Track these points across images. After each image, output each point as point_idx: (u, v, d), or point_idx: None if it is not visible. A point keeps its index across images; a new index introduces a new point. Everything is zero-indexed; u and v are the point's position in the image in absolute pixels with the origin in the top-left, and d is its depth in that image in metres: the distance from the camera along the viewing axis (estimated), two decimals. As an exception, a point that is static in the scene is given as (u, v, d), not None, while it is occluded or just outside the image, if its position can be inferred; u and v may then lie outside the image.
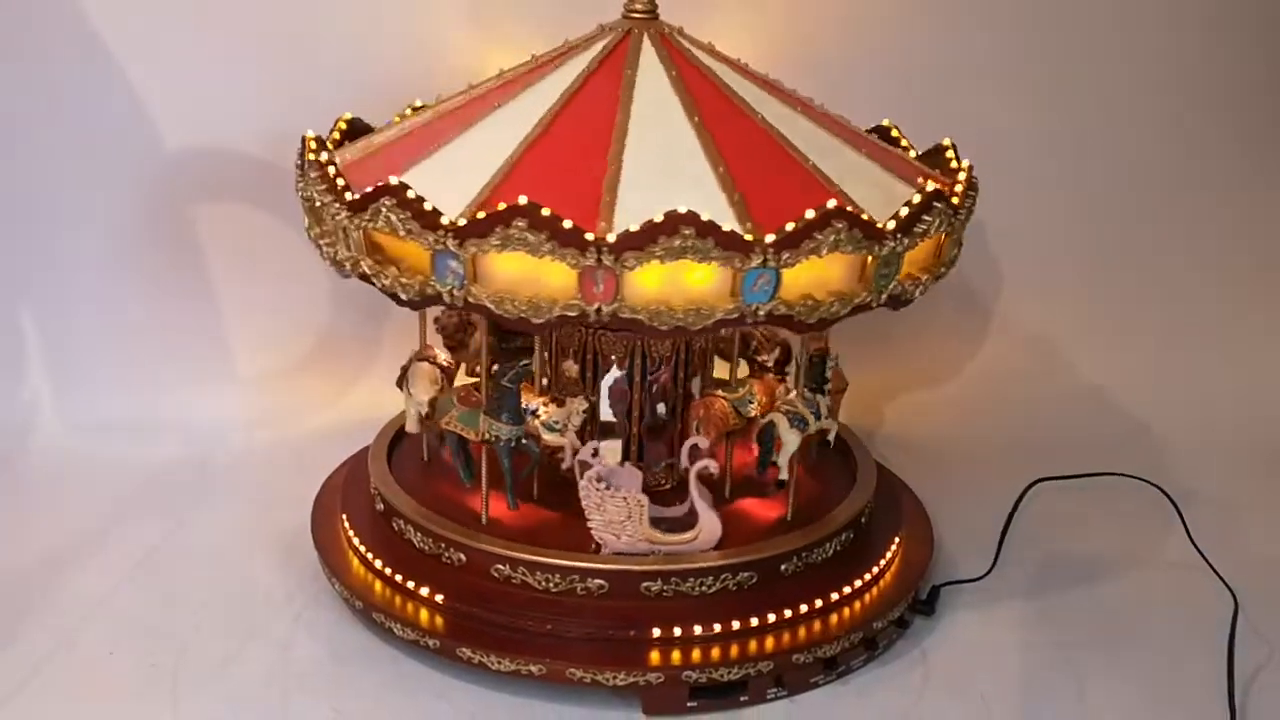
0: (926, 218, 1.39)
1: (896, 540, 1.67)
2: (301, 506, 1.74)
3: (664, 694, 1.44)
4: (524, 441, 1.57)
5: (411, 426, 1.72)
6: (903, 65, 2.08)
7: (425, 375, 1.68)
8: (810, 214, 1.31)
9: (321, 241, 1.50)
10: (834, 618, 1.53)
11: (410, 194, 1.34)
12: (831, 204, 1.33)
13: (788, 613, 1.50)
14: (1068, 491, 1.92)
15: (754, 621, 1.48)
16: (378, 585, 1.56)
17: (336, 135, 1.65)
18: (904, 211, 1.38)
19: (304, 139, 1.56)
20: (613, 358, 1.63)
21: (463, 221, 1.32)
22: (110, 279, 2.09)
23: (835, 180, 1.43)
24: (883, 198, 1.43)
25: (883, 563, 1.62)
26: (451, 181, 1.40)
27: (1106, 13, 2.13)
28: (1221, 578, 1.71)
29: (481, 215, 1.31)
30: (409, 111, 1.70)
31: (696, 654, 1.45)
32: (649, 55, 1.54)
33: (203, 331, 2.14)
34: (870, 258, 1.36)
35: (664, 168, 1.40)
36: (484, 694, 1.47)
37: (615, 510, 1.50)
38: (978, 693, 1.50)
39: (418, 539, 1.58)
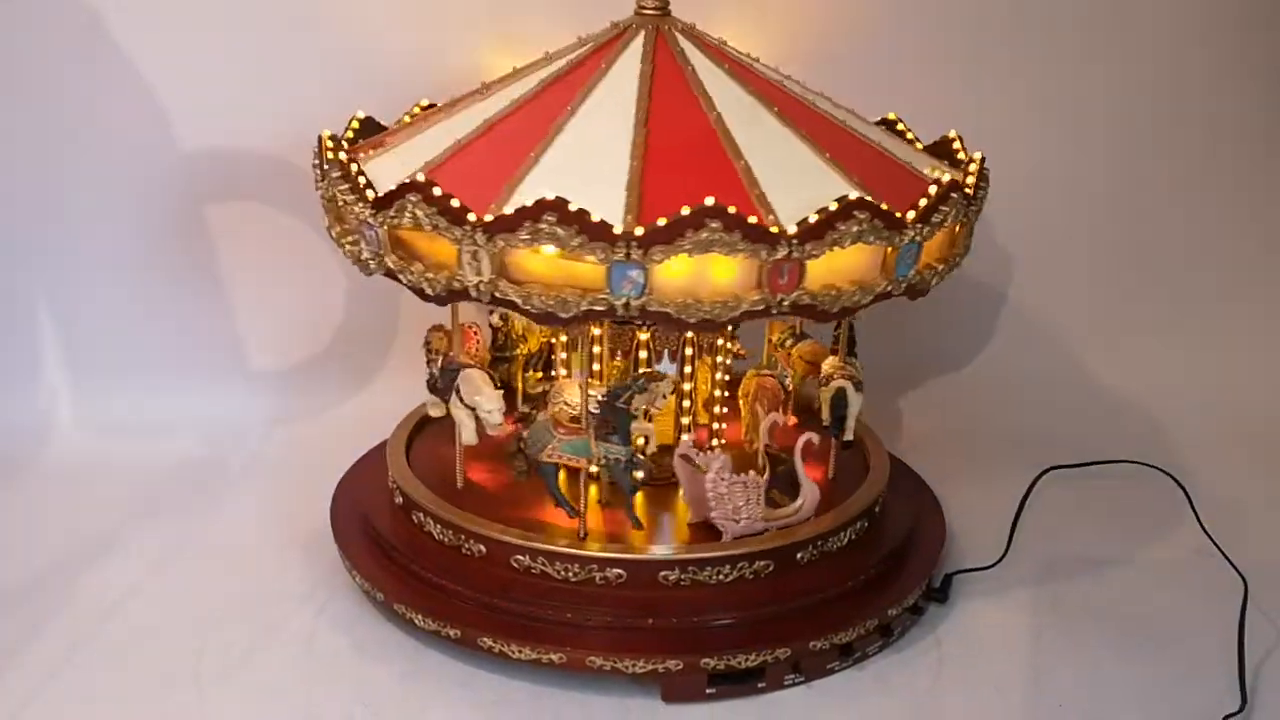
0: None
1: (910, 528, 1.69)
2: (320, 501, 1.75)
3: (683, 681, 1.45)
4: (636, 458, 1.54)
5: (470, 438, 1.60)
6: (912, 59, 2.09)
7: (485, 381, 1.58)
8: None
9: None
10: (849, 605, 1.54)
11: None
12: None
13: (804, 600, 1.52)
14: (1078, 480, 1.93)
15: (771, 609, 1.51)
16: (398, 577, 1.58)
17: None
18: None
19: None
20: (665, 351, 1.66)
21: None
22: (127, 279, 2.11)
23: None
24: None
25: (897, 550, 1.64)
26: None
27: (1116, 7, 2.14)
28: (1231, 562, 1.73)
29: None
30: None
31: (715, 642, 1.47)
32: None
33: (219, 330, 2.16)
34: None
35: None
36: (505, 683, 1.49)
37: (738, 496, 1.52)
38: (992, 678, 1.52)
39: (437, 531, 1.60)
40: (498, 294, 1.36)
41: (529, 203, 1.31)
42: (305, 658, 1.53)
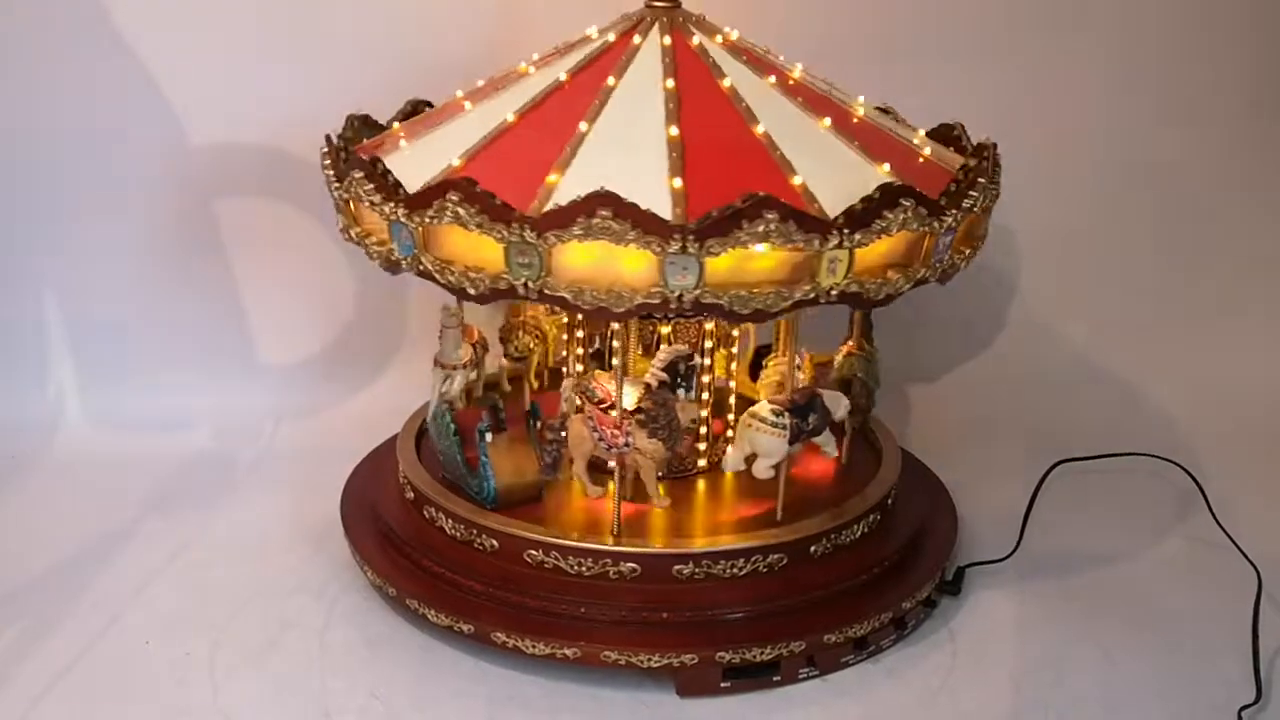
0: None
1: (922, 522, 1.68)
2: (331, 496, 1.75)
3: (698, 675, 1.45)
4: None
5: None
6: (921, 54, 2.08)
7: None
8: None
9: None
10: (863, 598, 1.54)
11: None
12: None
13: (818, 593, 1.52)
14: (1090, 472, 1.93)
15: (785, 603, 1.50)
16: (410, 572, 1.58)
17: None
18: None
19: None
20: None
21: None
22: (136, 275, 2.11)
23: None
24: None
25: (909, 544, 1.64)
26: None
27: (1132, 4, 2.13)
28: (1245, 554, 1.72)
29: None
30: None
31: (729, 635, 1.46)
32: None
33: (229, 325, 2.16)
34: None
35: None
36: (518, 677, 1.49)
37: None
38: (1005, 671, 1.52)
39: (449, 526, 1.60)
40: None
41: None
42: (317, 652, 1.53)
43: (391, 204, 1.40)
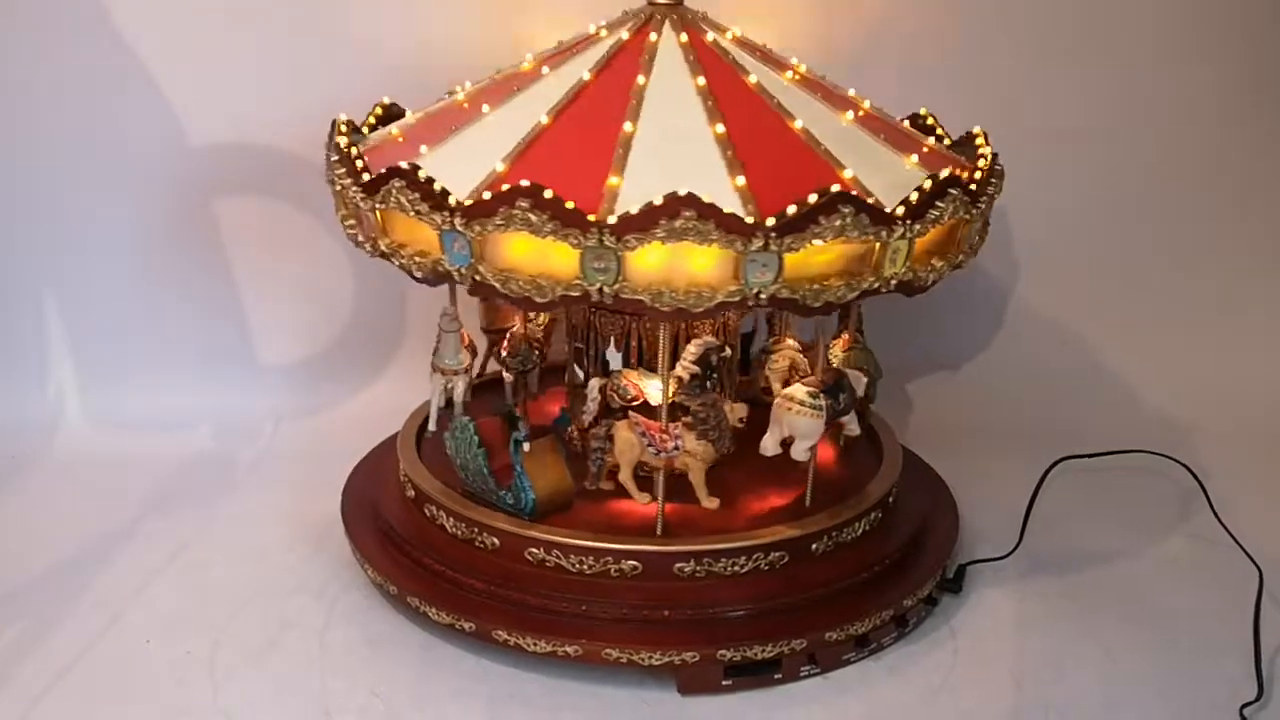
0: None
1: (923, 519, 1.68)
2: (331, 496, 1.75)
3: (699, 673, 1.45)
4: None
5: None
6: (921, 54, 2.08)
7: None
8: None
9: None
10: (865, 596, 1.54)
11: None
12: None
13: (820, 591, 1.52)
14: (1090, 470, 1.92)
15: (786, 601, 1.50)
16: (411, 571, 1.58)
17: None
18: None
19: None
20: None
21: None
22: (135, 274, 2.11)
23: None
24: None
25: (910, 541, 1.64)
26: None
27: (1129, 7, 2.13)
28: (1246, 551, 1.72)
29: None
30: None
31: (730, 633, 1.46)
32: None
33: (228, 324, 2.15)
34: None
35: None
36: (520, 675, 1.48)
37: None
38: (1007, 668, 1.52)
39: (450, 524, 1.59)
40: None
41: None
42: (318, 651, 1.53)
43: (443, 213, 1.37)
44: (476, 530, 1.56)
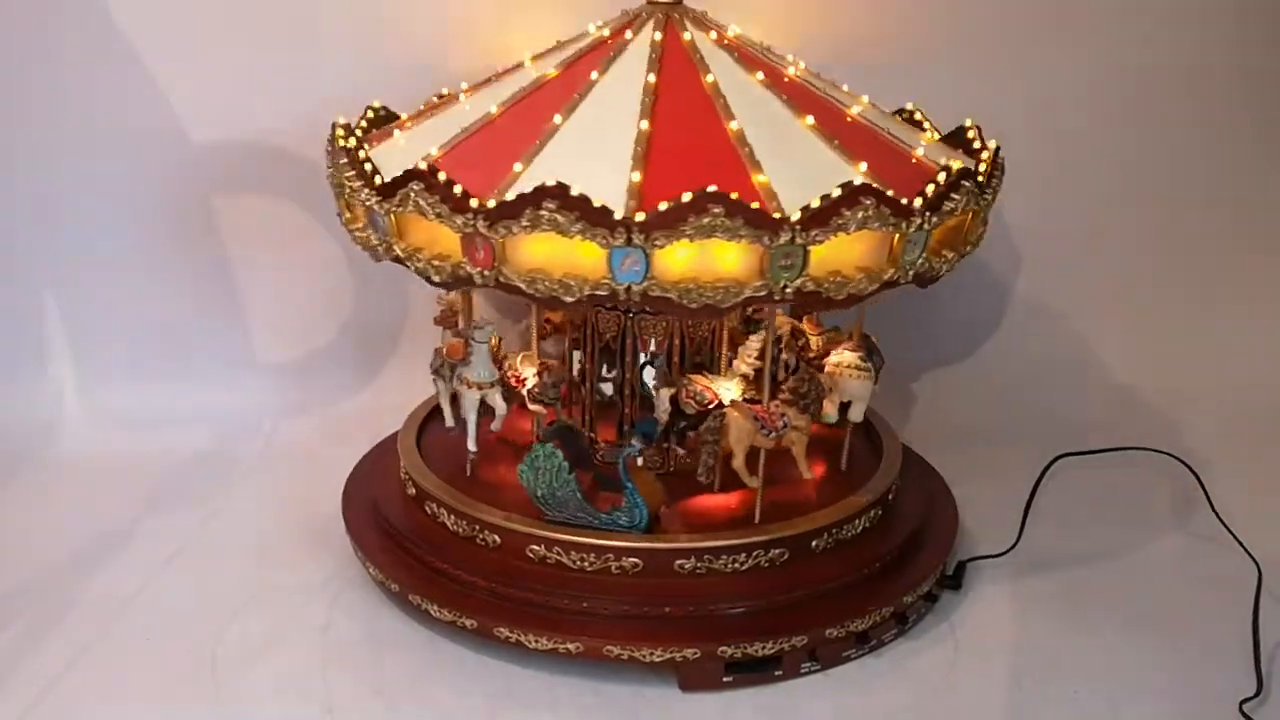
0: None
1: (923, 517, 1.69)
2: (332, 494, 1.75)
3: (700, 669, 1.45)
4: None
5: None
6: (927, 49, 2.08)
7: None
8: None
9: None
10: (865, 592, 1.54)
11: (440, 178, 1.36)
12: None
13: (820, 588, 1.52)
14: (1089, 467, 1.93)
15: (787, 597, 1.51)
16: (412, 568, 1.58)
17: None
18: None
19: (333, 125, 1.57)
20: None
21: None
22: (134, 272, 2.10)
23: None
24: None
25: (910, 538, 1.64)
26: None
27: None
28: (1245, 548, 1.73)
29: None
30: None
31: (731, 630, 1.47)
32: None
33: (228, 322, 2.15)
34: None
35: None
36: (521, 672, 1.49)
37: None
38: (1006, 664, 1.52)
39: (451, 522, 1.60)
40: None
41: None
42: (320, 649, 1.53)
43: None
44: (477, 528, 1.57)
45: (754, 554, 1.52)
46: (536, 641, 1.46)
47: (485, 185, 1.38)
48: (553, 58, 1.60)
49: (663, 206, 1.31)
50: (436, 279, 1.43)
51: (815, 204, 1.32)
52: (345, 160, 1.49)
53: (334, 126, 1.57)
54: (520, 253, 1.37)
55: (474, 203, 1.35)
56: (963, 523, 1.75)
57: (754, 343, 1.57)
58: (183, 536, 1.76)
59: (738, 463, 1.56)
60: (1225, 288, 2.32)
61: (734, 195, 1.30)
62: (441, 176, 1.37)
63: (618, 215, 1.31)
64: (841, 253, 1.37)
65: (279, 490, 1.89)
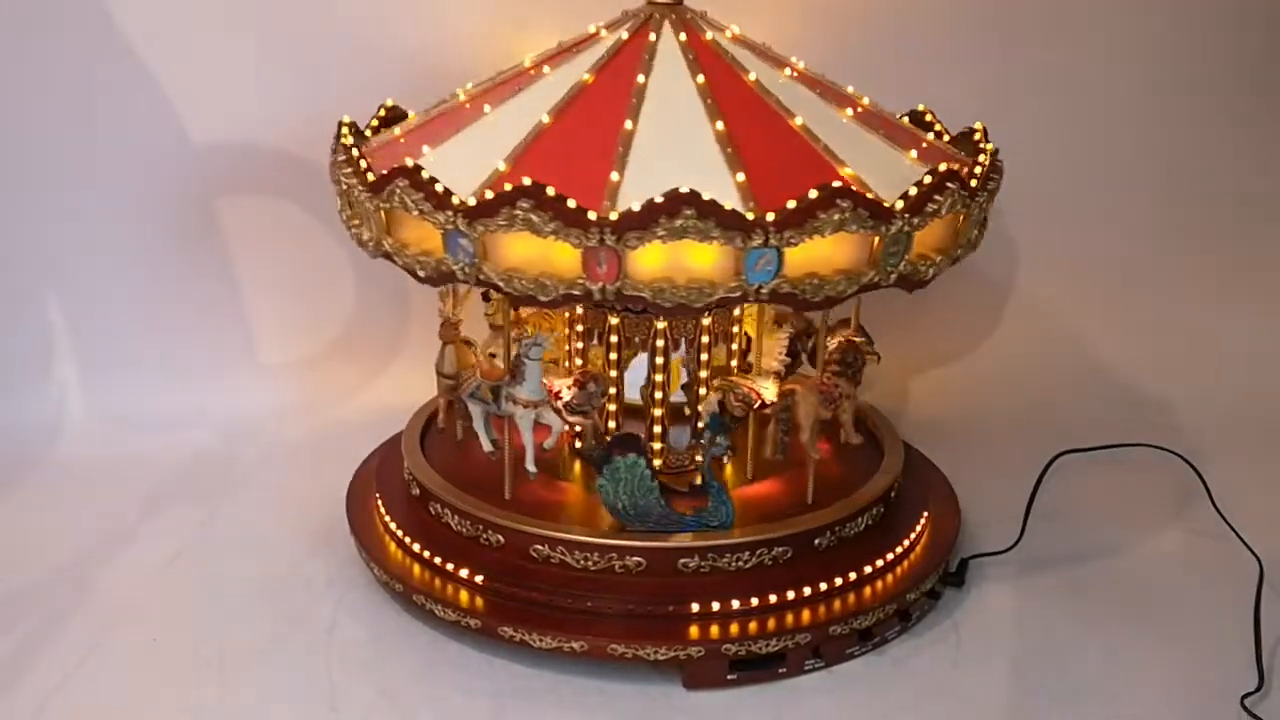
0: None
1: (925, 514, 1.69)
2: (335, 494, 1.76)
3: (704, 667, 1.46)
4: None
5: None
6: (923, 50, 2.09)
7: None
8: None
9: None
10: (868, 590, 1.55)
11: (424, 175, 1.38)
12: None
13: (823, 586, 1.53)
14: (1091, 463, 1.93)
15: (790, 595, 1.51)
16: (416, 568, 1.58)
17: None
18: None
19: (340, 123, 1.58)
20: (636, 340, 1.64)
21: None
22: (138, 273, 2.11)
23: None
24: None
25: (913, 536, 1.65)
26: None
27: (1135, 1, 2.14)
28: (1246, 543, 1.73)
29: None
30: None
31: (735, 628, 1.47)
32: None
33: (232, 323, 2.16)
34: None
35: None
36: (525, 672, 1.49)
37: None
38: (1009, 661, 1.53)
39: (455, 522, 1.60)
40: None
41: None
42: (325, 649, 1.53)
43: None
44: (481, 528, 1.57)
45: (757, 552, 1.52)
46: (541, 641, 1.47)
47: (593, 198, 1.35)
48: (574, 61, 1.58)
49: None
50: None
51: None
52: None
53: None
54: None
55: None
56: (965, 520, 1.75)
57: (781, 334, 1.62)
58: (186, 537, 1.76)
59: (805, 437, 1.60)
60: (1226, 285, 2.32)
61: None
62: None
63: (749, 217, 1.32)
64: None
65: (283, 491, 1.89)
